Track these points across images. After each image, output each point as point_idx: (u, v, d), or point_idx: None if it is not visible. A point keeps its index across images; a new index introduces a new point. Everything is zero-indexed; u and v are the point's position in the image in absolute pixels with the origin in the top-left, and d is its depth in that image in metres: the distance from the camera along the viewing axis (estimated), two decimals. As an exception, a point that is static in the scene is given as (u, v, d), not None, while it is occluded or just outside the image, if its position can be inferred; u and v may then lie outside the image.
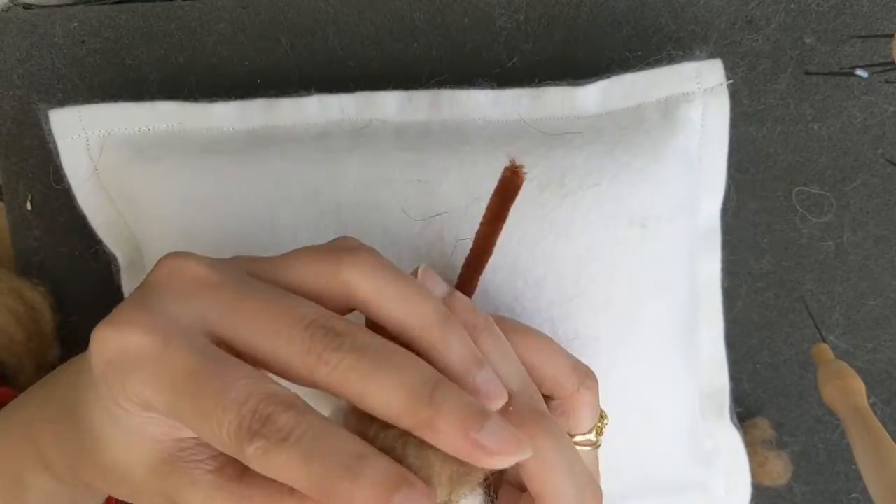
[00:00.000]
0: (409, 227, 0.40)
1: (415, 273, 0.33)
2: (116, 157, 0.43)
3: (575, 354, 0.40)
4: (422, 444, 0.27)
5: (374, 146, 0.42)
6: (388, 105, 0.44)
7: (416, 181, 0.41)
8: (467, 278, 0.36)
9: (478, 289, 0.38)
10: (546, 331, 0.40)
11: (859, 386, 0.42)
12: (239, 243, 0.41)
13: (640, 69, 0.43)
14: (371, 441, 0.27)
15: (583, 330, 0.41)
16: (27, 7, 0.47)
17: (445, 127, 0.43)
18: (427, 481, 0.27)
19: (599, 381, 0.38)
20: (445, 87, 0.44)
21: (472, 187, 0.41)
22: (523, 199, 0.40)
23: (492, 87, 0.44)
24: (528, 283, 0.40)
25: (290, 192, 0.41)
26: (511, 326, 0.34)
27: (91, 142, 0.44)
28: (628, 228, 0.41)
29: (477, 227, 0.40)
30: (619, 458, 0.43)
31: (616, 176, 0.41)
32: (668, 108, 0.43)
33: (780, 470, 0.49)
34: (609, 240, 0.41)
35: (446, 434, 0.26)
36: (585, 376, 0.34)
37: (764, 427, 0.49)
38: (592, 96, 0.44)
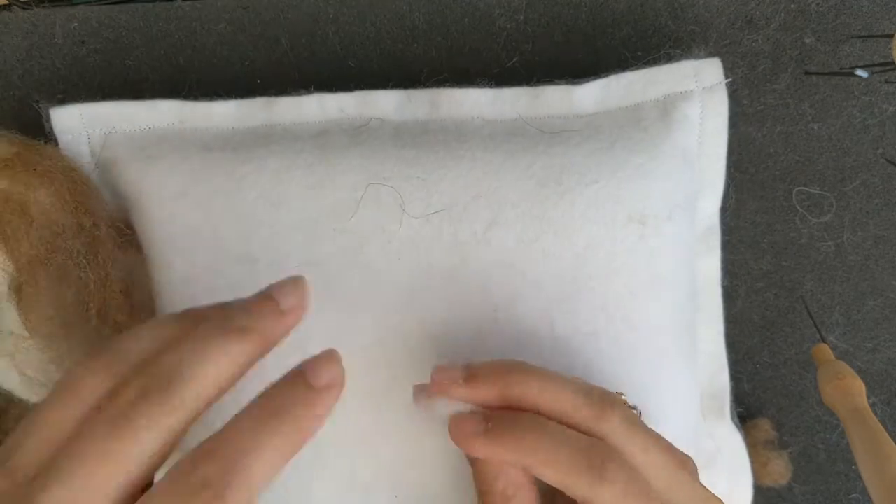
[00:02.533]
0: (408, 224, 0.40)
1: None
2: (117, 155, 0.43)
3: (573, 353, 0.41)
4: None
5: (372, 144, 0.42)
6: (387, 104, 0.44)
7: (414, 178, 0.41)
8: None
9: (478, 288, 0.39)
10: (544, 329, 0.40)
11: (859, 386, 0.42)
12: (237, 241, 0.41)
13: (639, 68, 0.43)
14: None
15: (582, 328, 0.41)
16: (27, 7, 0.47)
17: (444, 126, 0.43)
18: None
19: (597, 380, 0.39)
20: (444, 87, 0.44)
21: (471, 185, 0.41)
22: (521, 196, 0.41)
23: (491, 87, 0.44)
24: (526, 281, 0.40)
25: (288, 190, 0.41)
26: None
27: (92, 140, 0.44)
28: (627, 226, 0.41)
29: (477, 224, 0.40)
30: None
31: (614, 173, 0.41)
32: (667, 107, 0.43)
33: (781, 470, 0.49)
34: (607, 237, 0.41)
35: None
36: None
37: (765, 427, 0.49)
38: (591, 95, 0.44)
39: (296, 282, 0.34)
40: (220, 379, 0.30)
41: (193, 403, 0.30)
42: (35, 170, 0.39)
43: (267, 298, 0.33)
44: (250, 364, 0.32)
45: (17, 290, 0.38)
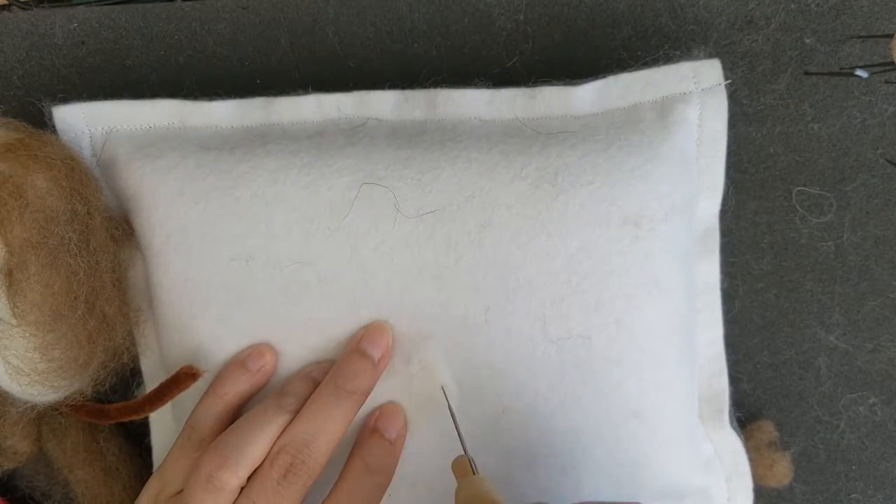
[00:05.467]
0: (401, 224, 0.41)
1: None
2: (117, 153, 0.44)
3: (566, 355, 0.41)
4: None
5: (368, 144, 0.42)
6: (385, 104, 0.44)
7: (409, 178, 0.41)
8: None
9: (470, 288, 0.40)
10: (537, 331, 0.41)
11: None
12: (233, 240, 0.41)
13: (637, 69, 0.43)
14: None
15: (575, 330, 0.41)
16: (27, 7, 0.47)
17: (441, 126, 0.44)
18: None
19: (590, 383, 0.41)
20: (442, 87, 0.44)
21: (465, 186, 0.41)
22: (515, 197, 0.41)
23: (489, 87, 0.44)
24: (519, 283, 0.40)
25: (284, 190, 0.41)
26: None
27: (94, 138, 0.44)
28: (621, 227, 0.41)
29: (471, 224, 0.40)
30: (614, 463, 0.43)
31: (609, 175, 0.41)
32: (664, 108, 0.43)
33: (785, 472, 0.49)
34: (602, 239, 0.41)
35: None
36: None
37: (769, 429, 0.49)
38: (588, 96, 0.44)
39: (382, 328, 0.41)
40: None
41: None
42: (36, 155, 0.39)
43: (362, 356, 0.40)
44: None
45: (8, 275, 0.38)
